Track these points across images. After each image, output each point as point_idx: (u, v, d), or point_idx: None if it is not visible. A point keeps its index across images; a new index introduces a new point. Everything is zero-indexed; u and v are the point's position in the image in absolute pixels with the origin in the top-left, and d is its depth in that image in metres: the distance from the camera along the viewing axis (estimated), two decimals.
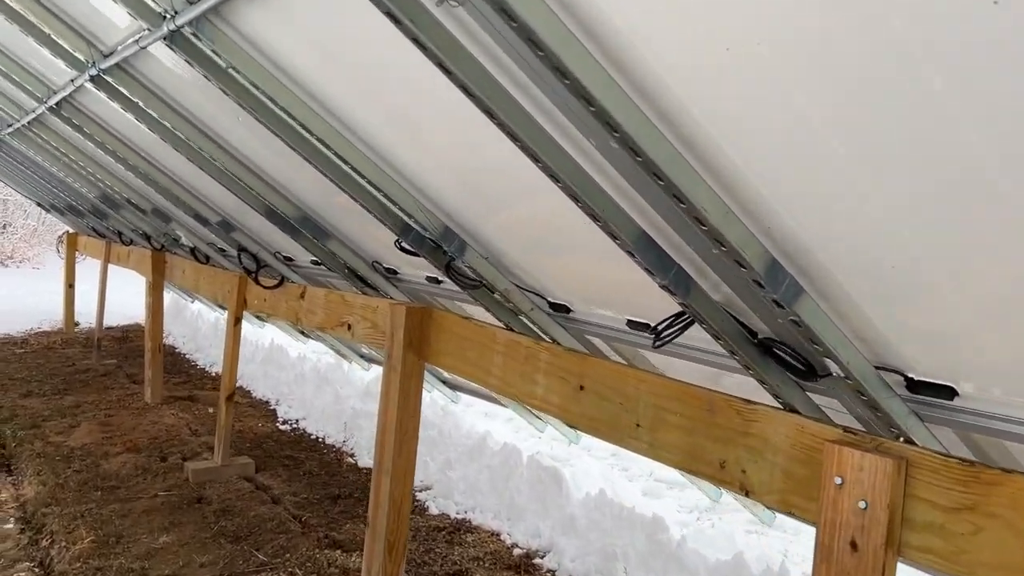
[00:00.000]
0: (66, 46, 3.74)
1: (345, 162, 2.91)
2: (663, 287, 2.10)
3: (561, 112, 1.73)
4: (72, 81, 4.25)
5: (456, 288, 4.06)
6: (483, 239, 3.14)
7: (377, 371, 7.95)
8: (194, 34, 2.68)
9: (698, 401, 2.57)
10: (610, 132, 1.68)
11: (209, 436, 6.68)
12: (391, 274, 4.42)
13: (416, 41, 1.76)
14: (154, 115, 3.93)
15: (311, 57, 2.63)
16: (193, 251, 6.65)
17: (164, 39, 2.85)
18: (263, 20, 2.56)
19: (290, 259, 5.46)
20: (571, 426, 3.86)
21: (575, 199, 1.95)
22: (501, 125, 1.86)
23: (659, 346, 2.39)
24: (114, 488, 5.55)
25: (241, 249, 5.53)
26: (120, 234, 9.00)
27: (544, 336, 3.45)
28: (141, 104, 3.86)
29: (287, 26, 2.53)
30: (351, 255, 4.37)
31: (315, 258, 4.87)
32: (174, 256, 7.78)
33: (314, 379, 8.00)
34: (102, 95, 4.07)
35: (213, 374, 9.37)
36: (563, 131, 1.94)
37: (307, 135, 2.91)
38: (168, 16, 2.69)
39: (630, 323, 2.92)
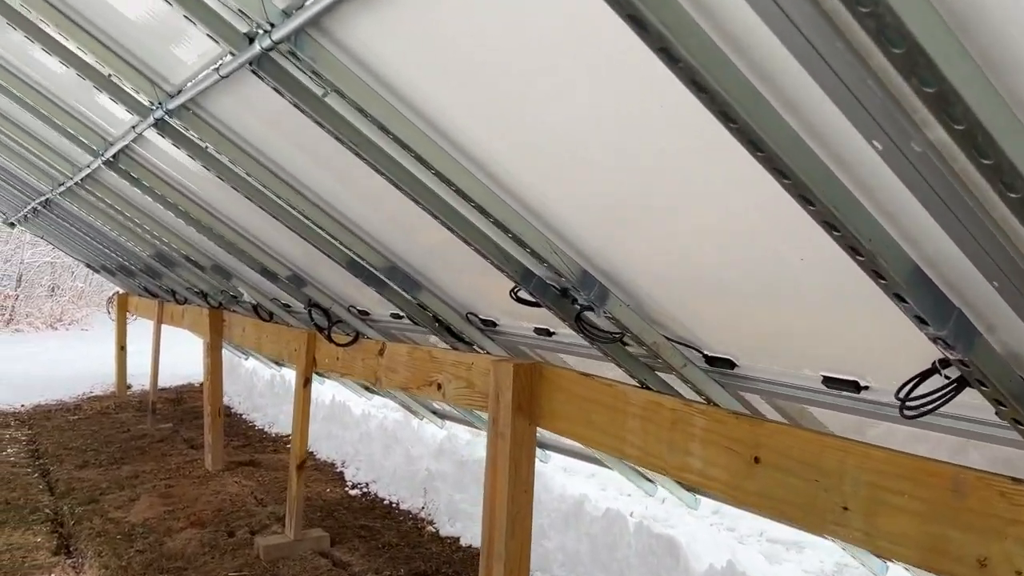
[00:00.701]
0: (128, 88, 3.35)
1: (468, 199, 2.44)
2: (936, 339, 1.57)
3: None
4: (134, 128, 3.87)
5: (567, 341, 3.56)
6: (625, 283, 2.64)
7: (453, 428, 7.44)
8: (291, 52, 2.24)
9: (937, 480, 2.03)
10: (916, 131, 1.19)
11: (276, 505, 6.20)
12: (488, 326, 3.93)
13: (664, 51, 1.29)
14: (225, 160, 3.52)
15: (426, 71, 2.17)
16: (256, 308, 6.25)
17: (250, 64, 2.42)
18: (372, 30, 2.12)
19: (365, 313, 5.00)
20: (742, 506, 3.31)
21: (832, 228, 1.44)
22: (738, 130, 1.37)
23: (915, 416, 1.86)
24: (181, 569, 5.07)
25: (312, 304, 5.09)
26: (174, 293, 8.66)
27: (696, 396, 2.92)
28: (211, 148, 3.46)
29: (395, 38, 2.08)
30: (443, 306, 3.89)
31: (398, 311, 4.40)
32: (233, 314, 7.40)
33: (382, 438, 7.50)
34: (166, 142, 3.67)
35: (273, 435, 8.93)
36: (809, 130, 1.45)
37: (422, 168, 2.45)
38: (263, 32, 2.25)
39: (828, 380, 2.39)
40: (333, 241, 3.66)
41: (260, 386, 10.71)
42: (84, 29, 3.17)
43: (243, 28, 2.41)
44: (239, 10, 2.29)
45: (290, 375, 10.52)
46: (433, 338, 4.62)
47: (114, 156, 4.40)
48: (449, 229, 2.77)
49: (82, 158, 5.42)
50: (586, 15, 1.59)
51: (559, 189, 2.37)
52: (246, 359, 11.97)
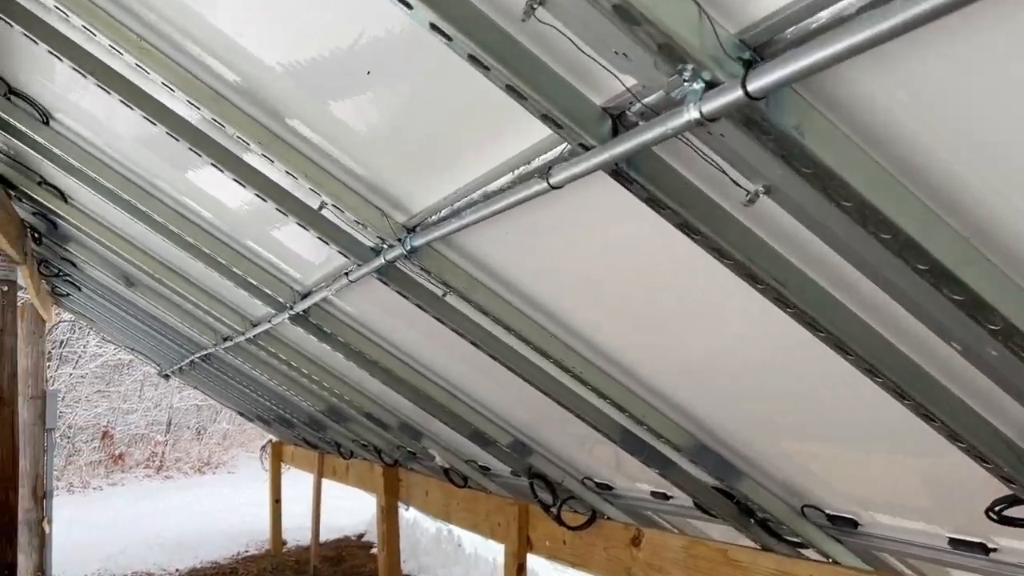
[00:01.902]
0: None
1: None
2: None
3: None
4: (346, 275, 3.05)
5: None
6: None
7: None
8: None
9: None
10: None
11: None
12: (841, 524, 2.77)
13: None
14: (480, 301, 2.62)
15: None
16: (447, 472, 5.27)
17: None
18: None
19: (607, 487, 3.92)
20: None
21: None
22: None
23: None
24: None
25: (535, 475, 4.06)
26: (338, 446, 7.84)
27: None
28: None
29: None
30: (766, 495, 2.78)
31: (666, 491, 3.32)
32: (411, 473, 6.46)
33: None
34: (368, 296, 2.84)
35: None
36: None
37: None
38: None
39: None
40: (622, 413, 2.65)
41: (425, 542, 9.68)
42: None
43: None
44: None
45: (460, 531, 9.49)
46: (707, 525, 3.52)
47: (305, 310, 3.59)
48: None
49: (255, 312, 4.69)
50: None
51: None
52: (406, 509, 10.99)
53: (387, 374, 3.88)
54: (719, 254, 1.48)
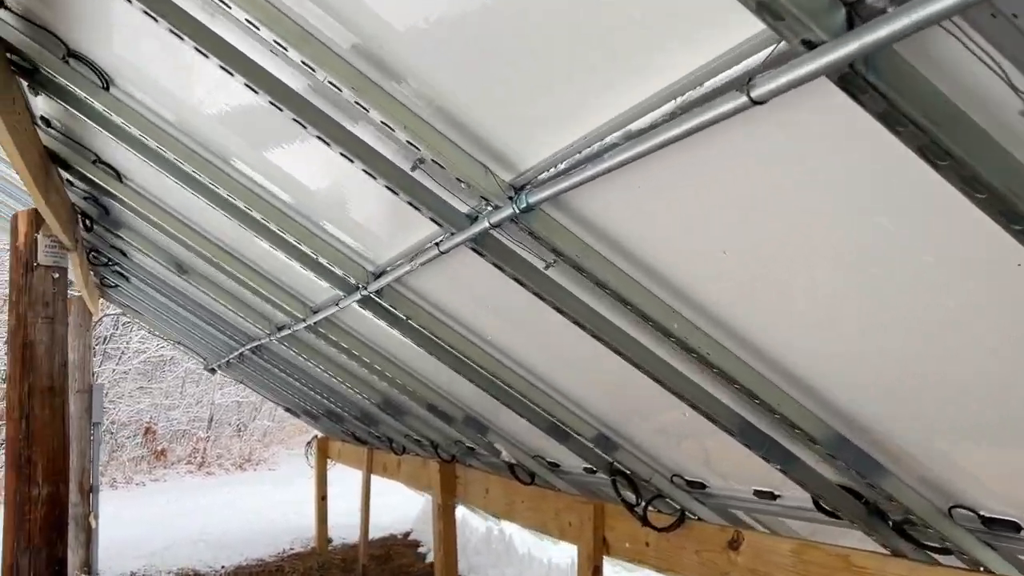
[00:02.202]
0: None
1: None
2: None
3: None
4: (418, 256, 2.78)
5: None
6: None
7: None
8: None
9: None
10: None
11: None
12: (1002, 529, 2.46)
13: None
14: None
15: None
16: (512, 468, 4.99)
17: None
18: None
19: (699, 486, 3.61)
20: None
21: None
22: None
23: None
24: None
25: (616, 472, 3.77)
26: (390, 441, 7.61)
27: None
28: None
29: None
30: (914, 496, 2.46)
31: (775, 490, 3.01)
32: (469, 469, 6.20)
33: None
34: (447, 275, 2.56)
35: None
36: None
37: None
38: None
39: None
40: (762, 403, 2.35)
41: (475, 541, 9.41)
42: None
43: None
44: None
45: (511, 529, 9.21)
46: (810, 527, 3.21)
47: (378, 291, 3.33)
48: None
49: (317, 297, 4.46)
50: None
51: None
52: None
53: (460, 362, 3.62)
54: (972, 185, 1.12)
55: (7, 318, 5.59)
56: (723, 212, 1.79)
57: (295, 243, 3.33)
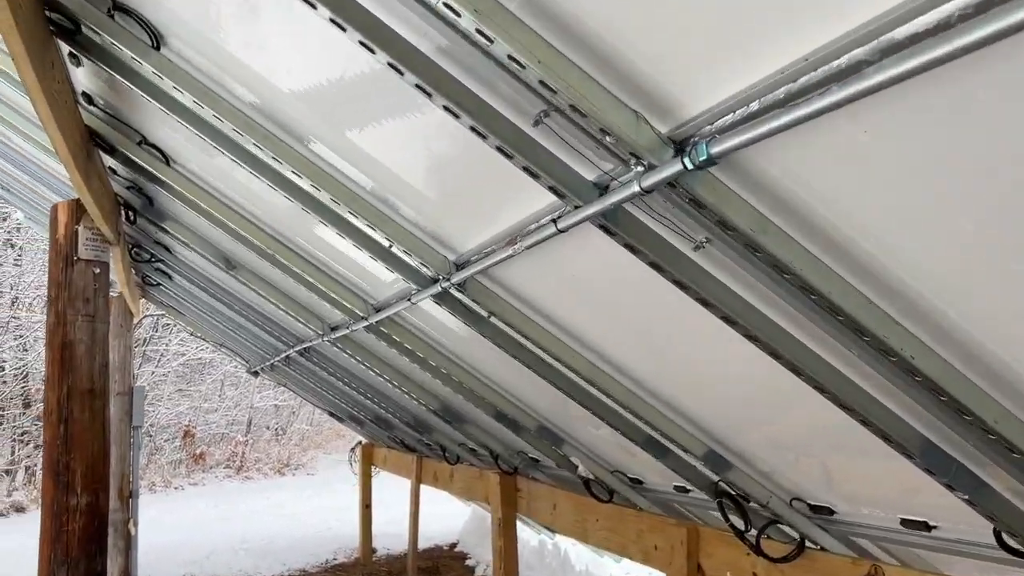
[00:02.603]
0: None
1: None
2: None
3: None
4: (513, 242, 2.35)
5: None
6: None
7: None
8: None
9: None
10: None
11: None
12: None
13: None
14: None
15: None
16: (587, 484, 4.53)
17: None
18: None
19: (825, 511, 3.13)
20: None
21: None
22: None
23: None
24: None
25: (722, 494, 3.31)
26: (443, 449, 7.19)
27: None
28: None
29: None
30: None
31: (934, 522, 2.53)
32: (532, 482, 5.75)
33: None
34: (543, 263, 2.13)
35: None
36: None
37: None
38: None
39: None
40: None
41: (525, 554, 8.93)
42: None
43: None
44: None
45: (567, 544, 8.75)
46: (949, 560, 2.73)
47: (461, 283, 2.90)
48: None
49: (380, 293, 4.05)
50: None
51: None
52: None
53: (547, 366, 3.18)
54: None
55: (46, 317, 5.26)
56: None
57: (367, 229, 2.91)
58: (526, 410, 4.31)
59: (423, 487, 8.28)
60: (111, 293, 9.47)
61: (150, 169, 3.90)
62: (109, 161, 4.75)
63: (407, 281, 3.27)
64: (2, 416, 16.57)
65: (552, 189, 1.97)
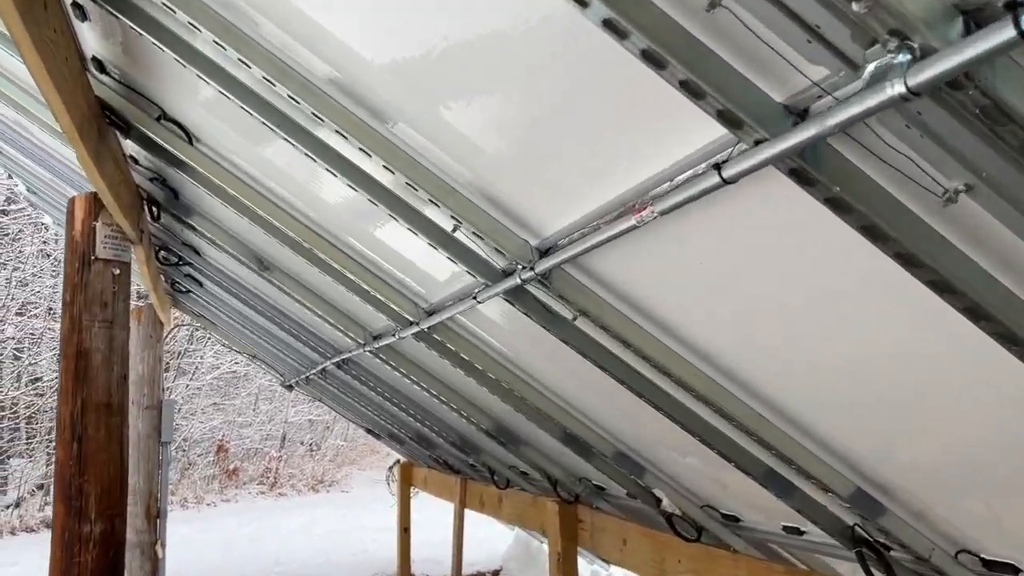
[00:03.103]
0: None
1: None
2: None
3: None
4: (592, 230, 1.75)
5: None
6: None
7: None
8: None
9: None
10: None
11: None
12: None
13: None
14: None
15: None
16: (670, 519, 3.89)
17: None
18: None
19: (1009, 568, 2.46)
20: None
21: None
22: None
23: None
24: None
25: (861, 541, 2.65)
26: (492, 472, 6.58)
27: None
28: None
29: None
30: None
31: None
32: (598, 513, 5.11)
33: None
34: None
35: None
36: None
37: None
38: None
39: None
40: None
41: None
42: None
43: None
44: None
45: (620, 574, 8.08)
46: None
47: (543, 274, 2.29)
48: None
49: (436, 294, 3.47)
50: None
51: None
52: (543, 541, 9.65)
53: (649, 384, 2.56)
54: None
55: (61, 323, 4.77)
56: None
57: (455, 215, 2.30)
58: (602, 433, 3.69)
59: (468, 511, 7.69)
60: (139, 302, 9.01)
61: (170, 149, 3.36)
62: (129, 150, 4.25)
63: (473, 274, 2.66)
64: (36, 430, 16.29)
65: (722, 116, 1.35)
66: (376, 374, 5.99)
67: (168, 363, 17.67)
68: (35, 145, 5.55)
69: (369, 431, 10.00)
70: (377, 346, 4.61)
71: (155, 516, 8.85)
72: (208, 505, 17.03)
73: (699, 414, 2.61)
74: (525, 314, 2.65)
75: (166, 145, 3.36)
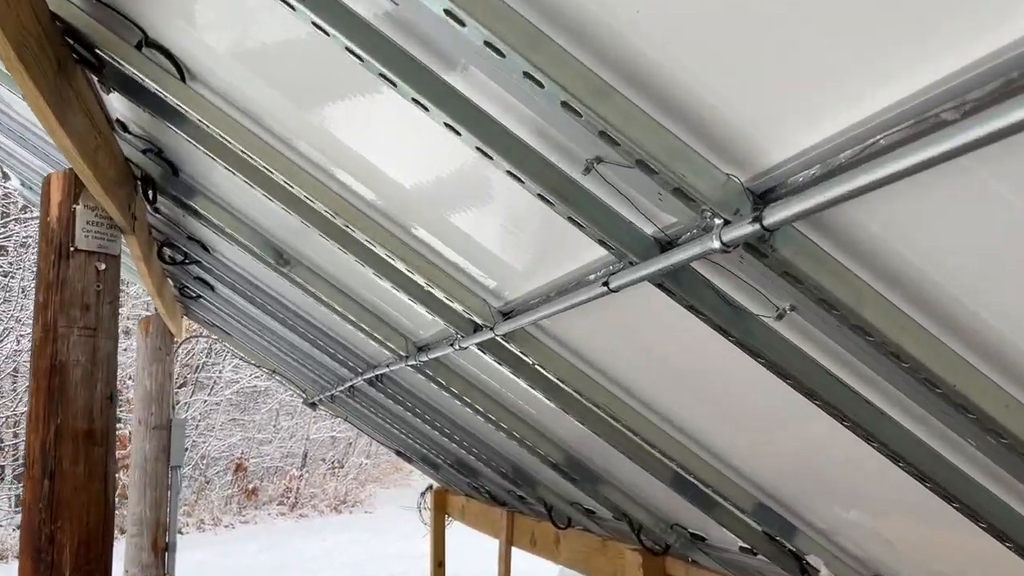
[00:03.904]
0: None
1: None
2: None
3: None
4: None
5: None
6: None
7: None
8: None
9: None
10: None
11: None
12: None
13: None
14: None
15: None
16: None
17: None
18: None
19: None
20: None
21: None
22: None
23: None
24: None
25: None
26: (549, 508, 5.60)
27: None
28: None
29: None
30: None
31: None
32: (695, 568, 4.12)
33: None
34: None
35: None
36: None
37: None
38: None
39: None
40: None
41: None
42: None
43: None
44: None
45: None
46: None
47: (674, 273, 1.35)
48: None
49: (512, 290, 2.53)
50: None
51: None
52: None
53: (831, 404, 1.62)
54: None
55: (32, 329, 3.87)
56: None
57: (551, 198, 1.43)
58: (739, 483, 2.72)
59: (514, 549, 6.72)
60: (148, 311, 8.11)
61: (155, 88, 2.44)
62: (116, 114, 3.37)
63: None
64: None
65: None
66: (414, 392, 5.06)
67: (185, 378, 16.87)
68: (11, 118, 4.68)
69: (400, 453, 9.05)
70: (423, 360, 3.66)
71: (163, 549, 7.97)
72: (226, 527, 16.13)
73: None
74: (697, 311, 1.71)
75: (149, 83, 2.43)
